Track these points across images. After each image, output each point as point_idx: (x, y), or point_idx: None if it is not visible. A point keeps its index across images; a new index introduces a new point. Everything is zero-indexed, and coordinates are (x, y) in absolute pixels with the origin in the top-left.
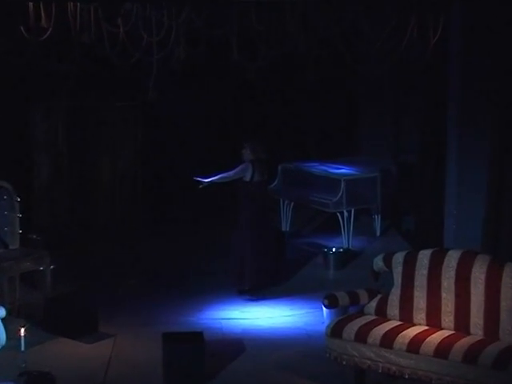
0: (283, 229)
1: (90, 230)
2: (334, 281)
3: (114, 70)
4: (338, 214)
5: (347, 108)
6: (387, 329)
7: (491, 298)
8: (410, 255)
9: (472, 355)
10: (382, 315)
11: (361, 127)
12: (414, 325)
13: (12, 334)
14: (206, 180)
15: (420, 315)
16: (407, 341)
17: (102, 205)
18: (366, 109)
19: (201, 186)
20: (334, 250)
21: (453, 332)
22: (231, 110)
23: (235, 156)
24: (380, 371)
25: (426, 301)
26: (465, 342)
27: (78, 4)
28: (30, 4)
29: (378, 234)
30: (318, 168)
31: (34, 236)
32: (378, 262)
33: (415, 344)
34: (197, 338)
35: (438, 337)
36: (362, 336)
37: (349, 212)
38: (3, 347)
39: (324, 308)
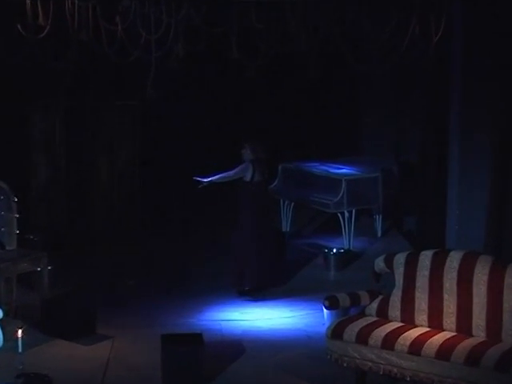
0: (283, 229)
1: (87, 231)
2: (334, 282)
3: (112, 68)
4: (339, 215)
5: (348, 107)
6: (388, 330)
7: (493, 300)
8: (411, 256)
9: (474, 357)
10: (383, 316)
11: (362, 127)
12: (415, 326)
13: (9, 336)
14: (206, 180)
15: (422, 316)
16: (409, 342)
17: (100, 205)
18: (367, 108)
19: (200, 186)
20: (334, 250)
21: (455, 334)
22: (231, 109)
23: (235, 156)
24: (381, 373)
25: (427, 302)
26: (467, 343)
27: (76, 2)
28: (28, 1)
29: (380, 234)
30: (319, 168)
31: (32, 237)
32: (379, 263)
33: (417, 346)
34: (196, 340)
35: (439, 338)
36: (363, 337)
37: (350, 212)
38: (0, 349)
39: (324, 309)
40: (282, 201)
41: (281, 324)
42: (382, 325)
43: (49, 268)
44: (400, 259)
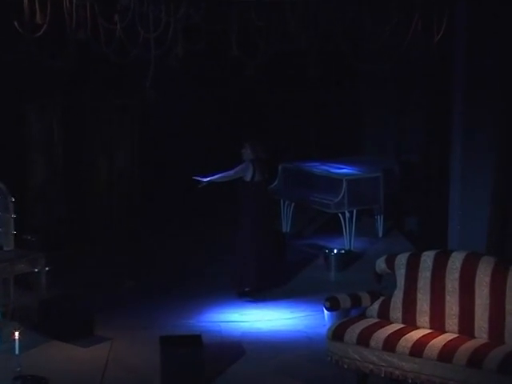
0: (284, 230)
1: (86, 231)
2: (335, 283)
3: (110, 67)
4: (340, 215)
5: (349, 107)
6: (390, 332)
7: (496, 301)
8: (413, 257)
9: (476, 359)
10: (384, 318)
11: (363, 126)
12: (417, 328)
13: (6, 338)
14: (206, 179)
15: (423, 318)
16: (410, 344)
17: (99, 205)
18: (368, 108)
19: (200, 186)
20: (335, 251)
21: (457, 335)
22: (231, 108)
23: (235, 155)
24: (382, 375)
25: (429, 303)
26: (469, 345)
27: None
28: None
29: (381, 235)
30: (320, 168)
31: (29, 237)
32: (381, 264)
33: (418, 347)
34: (195, 342)
35: (441, 340)
36: (364, 339)
37: (350, 213)
38: None
39: (325, 310)
40: (282, 201)
41: (281, 325)
42: (384, 326)
43: (46, 269)
44: (401, 260)
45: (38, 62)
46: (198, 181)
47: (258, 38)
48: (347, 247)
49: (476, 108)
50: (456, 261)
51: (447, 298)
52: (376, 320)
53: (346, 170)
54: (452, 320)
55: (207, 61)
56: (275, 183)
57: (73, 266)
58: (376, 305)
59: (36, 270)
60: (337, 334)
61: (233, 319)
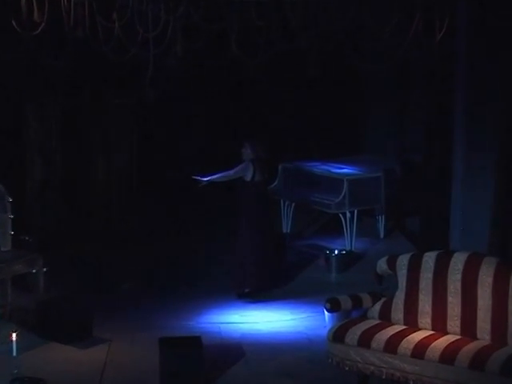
0: (284, 230)
1: (84, 232)
2: (336, 284)
3: (109, 66)
4: (341, 215)
5: (350, 106)
6: (391, 333)
7: (499, 302)
8: (414, 258)
9: (479, 361)
10: (385, 319)
11: (364, 126)
12: (418, 329)
13: (3, 339)
14: (205, 179)
15: (425, 319)
16: (412, 346)
17: (97, 205)
18: (369, 107)
19: (200, 186)
20: (336, 252)
21: (459, 337)
22: (230, 107)
23: (235, 155)
24: (384, 377)
25: (431, 305)
26: (471, 347)
27: None
28: None
29: (382, 235)
30: (320, 168)
31: (27, 238)
32: (382, 265)
33: (420, 349)
34: (195, 343)
35: (443, 342)
36: (365, 341)
37: (351, 213)
38: None
39: (326, 312)
40: (282, 201)
41: (281, 327)
42: (385, 328)
43: (44, 270)
44: (403, 261)
45: (36, 61)
46: (198, 180)
47: (257, 37)
48: (348, 248)
49: (477, 108)
50: (458, 261)
51: (449, 299)
52: (377, 321)
53: (346, 170)
54: (454, 321)
55: (207, 60)
56: (275, 183)
57: (71, 267)
58: (377, 306)
59: (34, 270)
60: (338, 335)
61: (232, 320)
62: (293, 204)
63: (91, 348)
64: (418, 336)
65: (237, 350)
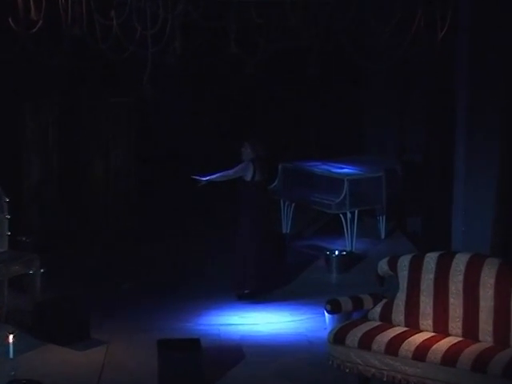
0: (284, 231)
1: (82, 232)
2: (336, 285)
3: (106, 64)
4: (341, 216)
5: (350, 105)
6: (392, 335)
7: (501, 303)
8: (416, 258)
9: (481, 363)
10: (386, 321)
11: (364, 125)
12: (420, 331)
13: (0, 341)
14: (205, 178)
15: (426, 321)
16: (413, 348)
17: (95, 205)
18: (369, 106)
19: (199, 185)
20: (336, 252)
21: (461, 339)
22: (230, 106)
23: (234, 154)
24: (385, 379)
25: (432, 306)
26: (473, 349)
27: None
28: None
29: (383, 236)
30: (320, 167)
31: (24, 238)
32: (383, 266)
33: (421, 351)
34: (193, 345)
35: (445, 344)
36: (365, 343)
37: (352, 213)
38: None
39: (326, 313)
40: (282, 201)
41: (281, 328)
42: (386, 329)
43: (41, 271)
44: (404, 262)
45: (33, 60)
46: (197, 180)
47: (257, 35)
48: (348, 248)
49: (479, 107)
50: (460, 262)
51: (451, 300)
52: (378, 323)
53: (347, 170)
54: (456, 323)
55: (206, 58)
56: (275, 183)
57: (68, 268)
58: (378, 307)
59: (31, 271)
60: (338, 337)
61: (232, 322)
62: (293, 204)
63: (89, 350)
64: (419, 338)
65: (236, 352)
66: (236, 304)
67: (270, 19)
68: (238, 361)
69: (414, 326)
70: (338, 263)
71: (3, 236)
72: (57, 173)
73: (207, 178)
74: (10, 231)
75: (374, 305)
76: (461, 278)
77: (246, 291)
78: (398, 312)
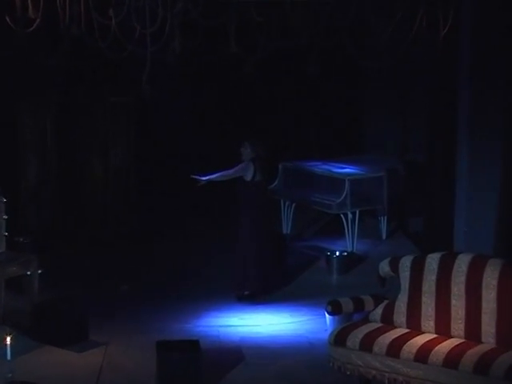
0: (284, 231)
1: (80, 233)
2: (337, 286)
3: (105, 63)
4: (342, 216)
5: (351, 104)
6: (394, 337)
7: (504, 305)
8: (417, 259)
9: (483, 365)
10: (388, 322)
11: (366, 124)
12: (422, 333)
13: None
14: (204, 178)
15: (428, 323)
16: (415, 350)
17: (94, 205)
18: (371, 106)
19: (199, 185)
20: (337, 253)
21: (463, 340)
22: (229, 105)
23: (234, 154)
24: (386, 382)
25: (434, 307)
26: (476, 351)
27: None
28: None
29: (384, 236)
30: (321, 167)
31: (21, 239)
32: (384, 267)
33: (423, 353)
34: (193, 347)
35: (447, 346)
36: (367, 344)
37: (353, 213)
38: None
39: (327, 315)
40: (282, 201)
41: (281, 330)
42: (387, 331)
43: (39, 272)
44: (406, 263)
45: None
46: (197, 180)
47: (257, 34)
48: (349, 249)
49: (482, 106)
50: (462, 263)
51: (453, 301)
52: (379, 324)
53: (348, 170)
54: (458, 325)
55: (205, 57)
56: (275, 183)
57: (67, 268)
58: (379, 309)
59: (28, 272)
60: (339, 338)
61: (231, 323)
62: (293, 204)
63: (87, 351)
64: (421, 340)
65: (236, 354)
66: (236, 305)
67: (270, 18)
68: (238, 363)
69: (415, 328)
70: (339, 264)
71: (0, 237)
72: (55, 172)
73: (207, 177)
74: (7, 232)
75: (376, 306)
76: (463, 279)
77: (246, 292)
78: (400, 313)
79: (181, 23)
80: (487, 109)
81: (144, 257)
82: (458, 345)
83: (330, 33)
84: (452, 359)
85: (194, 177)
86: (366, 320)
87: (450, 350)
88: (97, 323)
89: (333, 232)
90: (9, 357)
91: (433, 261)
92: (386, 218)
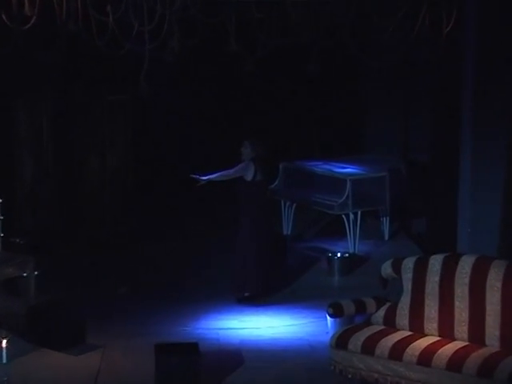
0: (284, 232)
1: (77, 233)
2: (338, 288)
3: (102, 61)
4: (344, 217)
5: (353, 103)
6: (396, 340)
7: (508, 307)
8: (420, 261)
9: (487, 369)
10: (390, 325)
11: (368, 124)
12: (425, 335)
13: None
14: (204, 178)
15: (431, 325)
16: (418, 353)
17: (91, 206)
18: (373, 104)
19: (198, 185)
20: (338, 254)
21: (467, 343)
22: (229, 105)
23: (234, 153)
24: None
25: (437, 310)
26: (480, 354)
27: None
28: None
29: (387, 237)
30: (322, 167)
31: (17, 240)
32: (387, 268)
33: (426, 356)
34: (192, 350)
35: (450, 348)
36: (369, 347)
37: (355, 214)
38: None
39: (328, 317)
40: (282, 202)
41: (281, 333)
42: (390, 334)
43: (35, 273)
44: (408, 264)
45: (27, 56)
46: (197, 179)
47: (257, 31)
48: (351, 250)
49: (486, 106)
50: (466, 265)
51: (456, 303)
52: (382, 327)
53: (349, 170)
54: (461, 327)
55: (205, 55)
56: (276, 183)
57: (64, 270)
58: (382, 311)
59: (25, 274)
60: (340, 341)
61: (231, 326)
62: (294, 205)
63: (84, 354)
64: (424, 342)
65: (236, 357)
66: (236, 307)
67: (270, 15)
68: (238, 366)
69: (418, 330)
70: (341, 265)
71: None
72: (51, 172)
73: (207, 177)
74: (2, 232)
75: (378, 308)
76: (467, 280)
77: (246, 294)
78: (402, 316)
79: (179, 20)
80: (491, 108)
81: (142, 257)
82: (461, 348)
83: (331, 31)
84: (456, 362)
85: (193, 176)
86: (367, 322)
87: (454, 353)
88: (94, 325)
89: (334, 233)
90: (4, 360)
91: (436, 262)
92: (388, 218)
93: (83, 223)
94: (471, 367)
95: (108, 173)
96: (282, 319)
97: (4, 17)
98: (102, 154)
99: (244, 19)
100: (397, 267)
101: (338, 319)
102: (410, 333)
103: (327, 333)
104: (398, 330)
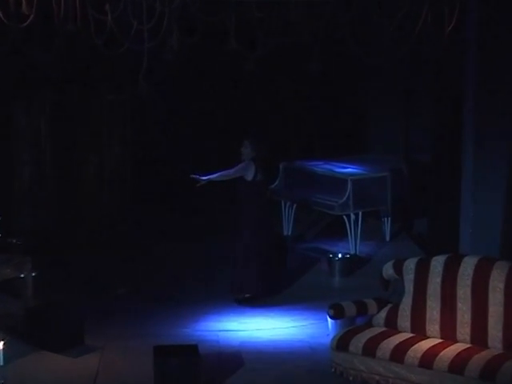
0: (285, 233)
1: (75, 234)
2: (339, 289)
3: (101, 60)
4: (345, 217)
5: (354, 102)
6: (398, 341)
7: (511, 309)
8: (422, 262)
9: (490, 371)
10: (391, 327)
11: (369, 123)
12: (426, 337)
13: None
14: (204, 178)
15: (433, 327)
16: (419, 355)
17: (89, 206)
18: (375, 104)
19: (198, 185)
20: (339, 255)
21: (469, 345)
22: (229, 104)
23: (234, 153)
24: None
25: (439, 311)
26: (482, 356)
27: None
28: None
29: (388, 238)
30: (323, 167)
31: (15, 240)
32: (388, 269)
33: (428, 358)
34: (191, 352)
35: (453, 350)
36: (370, 349)
37: (356, 215)
38: None
39: (329, 319)
40: (283, 202)
41: (282, 335)
42: (391, 336)
43: (33, 274)
44: (410, 265)
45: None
46: (197, 179)
47: (257, 30)
48: (352, 251)
49: (488, 105)
50: (468, 266)
51: (459, 305)
52: (383, 329)
53: (350, 170)
54: (464, 329)
55: (204, 54)
56: (276, 183)
57: (62, 270)
58: (383, 313)
59: (22, 275)
60: (341, 343)
61: (231, 328)
62: (294, 205)
63: (83, 356)
64: (425, 344)
65: (235, 359)
66: (235, 309)
67: (270, 14)
68: (238, 368)
69: (420, 332)
70: (341, 266)
71: None
72: (49, 172)
73: (207, 177)
74: (0, 233)
75: (379, 310)
76: (469, 282)
77: (246, 295)
78: (404, 317)
79: (179, 18)
80: (493, 108)
81: (142, 258)
82: (463, 350)
83: (332, 30)
84: (458, 364)
85: (193, 176)
86: (369, 324)
87: (456, 355)
88: (93, 327)
89: (335, 233)
90: (2, 362)
91: (438, 263)
92: (389, 219)
93: (82, 223)
94: (473, 369)
95: (107, 173)
96: (282, 321)
97: (2, 16)
98: (100, 153)
99: (244, 18)
100: (398, 268)
101: (338, 321)
102: (411, 334)
103: (328, 335)
104: (400, 331)
